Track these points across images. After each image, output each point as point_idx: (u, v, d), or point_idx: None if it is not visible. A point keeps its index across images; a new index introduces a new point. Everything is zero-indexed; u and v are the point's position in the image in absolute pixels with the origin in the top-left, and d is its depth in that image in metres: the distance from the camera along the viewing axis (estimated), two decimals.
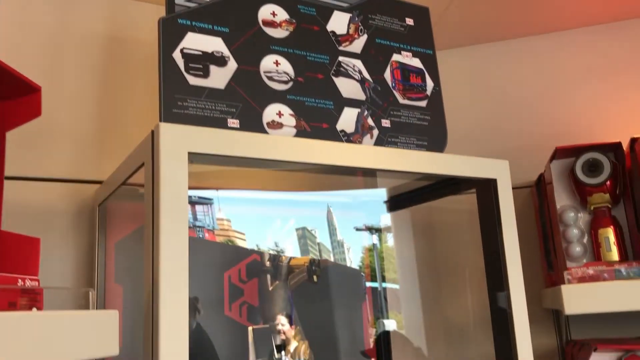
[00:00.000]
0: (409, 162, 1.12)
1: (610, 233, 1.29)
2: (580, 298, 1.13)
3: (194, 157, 0.87)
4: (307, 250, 1.37)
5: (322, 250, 1.40)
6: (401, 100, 1.23)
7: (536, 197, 1.50)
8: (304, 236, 1.40)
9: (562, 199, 1.37)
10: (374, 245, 1.49)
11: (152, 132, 0.84)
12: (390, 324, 1.45)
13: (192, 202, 1.29)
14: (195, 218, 1.29)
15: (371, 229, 1.50)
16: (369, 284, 1.47)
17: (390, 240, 1.54)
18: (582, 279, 1.18)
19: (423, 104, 1.26)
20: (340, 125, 1.14)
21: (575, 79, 1.59)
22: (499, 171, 1.17)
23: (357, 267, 1.45)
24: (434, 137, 1.25)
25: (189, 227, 1.31)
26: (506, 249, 1.14)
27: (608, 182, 1.29)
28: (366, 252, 1.48)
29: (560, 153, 1.35)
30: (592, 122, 1.53)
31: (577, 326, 1.48)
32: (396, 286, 1.51)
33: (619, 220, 1.32)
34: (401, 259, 1.55)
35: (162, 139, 0.82)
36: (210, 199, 1.32)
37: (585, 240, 1.34)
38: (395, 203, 1.46)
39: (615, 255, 1.28)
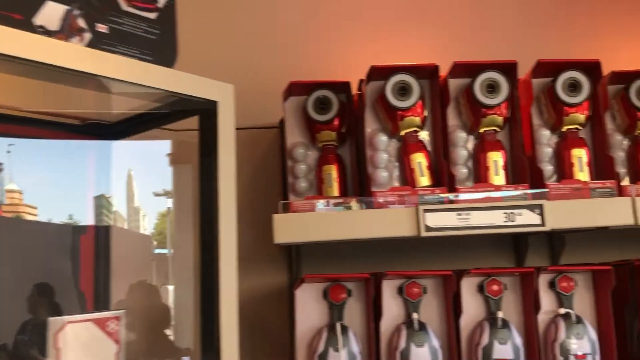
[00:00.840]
0: (127, 72, 1.01)
1: (333, 170, 1.32)
2: (288, 228, 1.14)
3: None
4: (102, 220, 1.29)
5: (117, 219, 1.33)
6: (125, 7, 1.11)
7: (279, 136, 1.50)
8: (101, 205, 1.30)
9: (295, 136, 1.38)
10: (168, 209, 1.41)
11: None
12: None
13: None
14: None
15: (168, 193, 1.41)
16: (158, 251, 1.41)
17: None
18: (299, 210, 1.19)
19: (152, 15, 1.15)
20: (39, 20, 0.98)
21: (318, 22, 1.61)
22: (222, 94, 1.12)
23: (150, 235, 1.38)
24: (161, 54, 1.15)
25: None
26: (220, 180, 1.09)
27: (336, 121, 1.32)
28: (161, 217, 1.42)
29: (294, 90, 1.34)
30: (329, 61, 1.56)
31: (309, 264, 1.52)
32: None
33: (344, 159, 1.36)
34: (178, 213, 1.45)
35: None
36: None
37: (312, 176, 1.36)
38: (124, 128, 1.34)
39: (335, 190, 1.31)
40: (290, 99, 1.38)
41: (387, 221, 1.15)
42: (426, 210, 1.14)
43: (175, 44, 1.19)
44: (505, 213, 1.16)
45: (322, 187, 1.32)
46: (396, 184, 1.31)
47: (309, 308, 1.24)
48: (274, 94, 1.45)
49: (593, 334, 1.21)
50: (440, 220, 1.14)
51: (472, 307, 1.24)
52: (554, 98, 1.30)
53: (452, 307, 1.23)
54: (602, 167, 1.31)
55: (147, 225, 1.40)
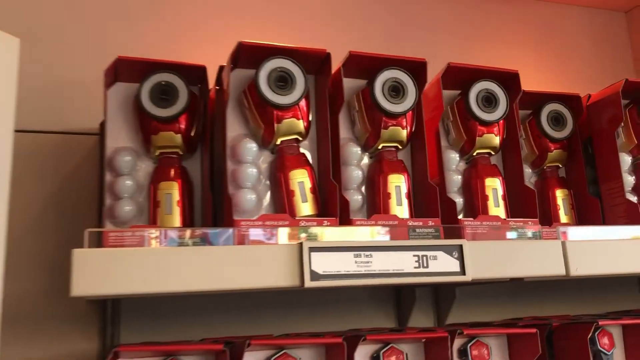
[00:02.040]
0: None
1: (174, 189, 0.92)
2: (96, 272, 0.70)
3: None
4: None
5: None
6: None
7: (99, 142, 1.06)
8: None
9: (119, 138, 0.95)
10: None
11: None
12: None
13: None
14: None
15: None
16: None
17: None
18: (117, 245, 0.77)
19: None
20: None
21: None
22: None
23: None
24: None
25: None
26: None
27: (182, 119, 0.92)
28: None
29: (123, 71, 0.93)
30: (183, 46, 1.18)
31: (133, 326, 1.08)
32: None
33: (192, 174, 0.96)
34: None
35: None
36: None
37: (142, 197, 0.94)
38: None
39: (176, 218, 0.91)
40: (117, 85, 0.95)
41: (256, 265, 0.77)
42: (313, 249, 0.79)
43: None
44: (416, 256, 0.84)
45: (157, 212, 0.91)
46: (268, 211, 0.94)
47: None
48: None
49: None
50: (333, 264, 0.79)
51: None
52: (466, 113, 1.03)
53: None
54: (517, 201, 1.06)
55: None
